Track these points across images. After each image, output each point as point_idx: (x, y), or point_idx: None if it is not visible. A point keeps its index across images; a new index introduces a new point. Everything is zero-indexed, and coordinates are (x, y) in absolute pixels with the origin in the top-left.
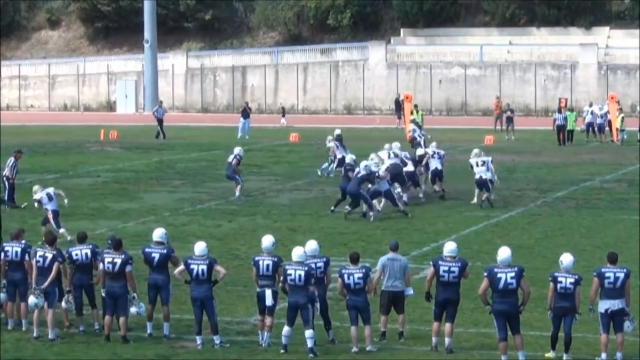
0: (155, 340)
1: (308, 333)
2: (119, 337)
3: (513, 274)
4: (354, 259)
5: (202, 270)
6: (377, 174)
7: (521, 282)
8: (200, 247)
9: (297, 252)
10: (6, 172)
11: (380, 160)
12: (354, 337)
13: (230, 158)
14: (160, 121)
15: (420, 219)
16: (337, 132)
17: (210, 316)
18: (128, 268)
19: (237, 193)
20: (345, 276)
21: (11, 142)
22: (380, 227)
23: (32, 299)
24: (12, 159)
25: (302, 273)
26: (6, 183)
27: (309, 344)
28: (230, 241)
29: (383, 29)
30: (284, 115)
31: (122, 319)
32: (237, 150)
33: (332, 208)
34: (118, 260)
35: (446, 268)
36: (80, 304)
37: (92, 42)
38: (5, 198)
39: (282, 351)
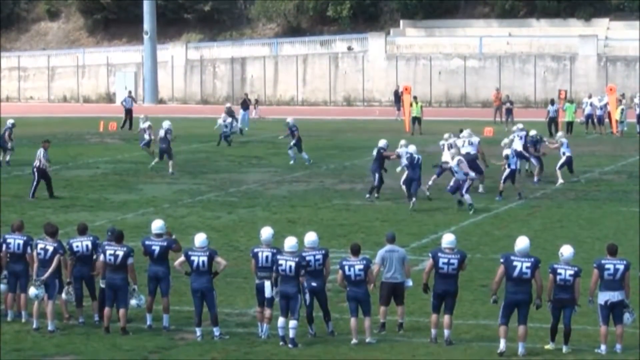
0: (154, 332)
1: (292, 323)
2: (119, 329)
3: (529, 264)
4: (355, 251)
5: (203, 261)
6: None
7: (535, 273)
8: (200, 238)
9: (289, 243)
10: (36, 162)
11: (456, 147)
12: (353, 329)
13: (162, 133)
14: (128, 111)
15: (419, 211)
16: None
17: (210, 308)
18: (130, 260)
19: (170, 169)
20: (346, 267)
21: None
22: (380, 219)
23: (32, 290)
24: (41, 149)
25: (293, 264)
26: (35, 174)
27: (291, 334)
28: (230, 233)
29: (382, 21)
30: (255, 107)
31: (121, 311)
32: (166, 124)
33: (368, 195)
34: (120, 253)
35: (445, 260)
36: (80, 296)
37: (91, 34)
38: (32, 189)
39: (281, 343)
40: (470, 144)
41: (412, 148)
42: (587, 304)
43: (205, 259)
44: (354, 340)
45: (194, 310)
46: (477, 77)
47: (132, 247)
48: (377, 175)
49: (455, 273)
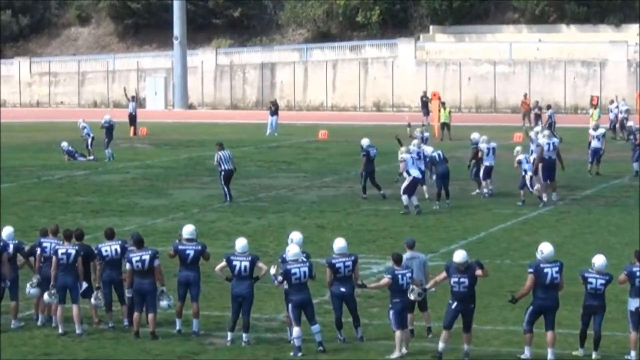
0: (184, 337)
1: (315, 328)
2: (148, 333)
3: (557, 269)
4: (399, 260)
5: (245, 266)
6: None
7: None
8: (241, 243)
9: (293, 251)
10: (224, 166)
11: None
12: (400, 340)
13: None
14: (133, 117)
15: (449, 216)
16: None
17: (245, 313)
18: (156, 262)
19: None
20: (400, 277)
21: (42, 139)
22: (409, 224)
23: (45, 297)
24: (223, 152)
25: (306, 269)
26: (220, 175)
27: (318, 338)
28: (259, 238)
29: (412, 26)
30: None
31: (150, 316)
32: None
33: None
34: (147, 257)
35: (456, 279)
36: (110, 300)
37: (121, 39)
38: (226, 193)
39: (298, 354)
40: (553, 147)
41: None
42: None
43: (247, 264)
44: (396, 354)
45: (230, 315)
46: (506, 83)
47: (157, 250)
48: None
49: (468, 290)
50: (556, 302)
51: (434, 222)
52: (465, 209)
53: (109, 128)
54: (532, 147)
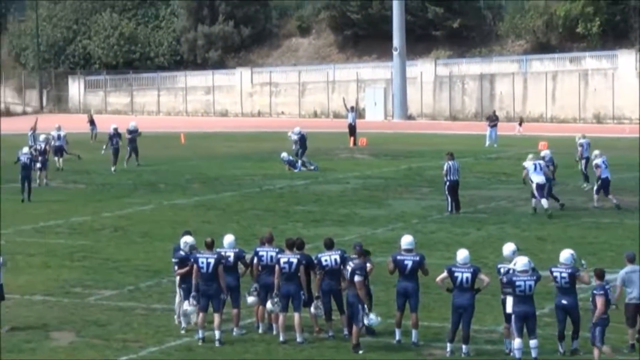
0: (403, 347)
1: (534, 343)
2: (362, 344)
3: None
4: (603, 276)
5: (467, 278)
6: None
7: None
8: (463, 254)
9: (521, 262)
10: (451, 176)
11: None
12: (598, 356)
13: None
14: (352, 127)
15: None
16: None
17: (465, 325)
18: (357, 277)
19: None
20: (609, 292)
21: (263, 149)
22: (630, 237)
23: (268, 305)
24: (448, 163)
25: (532, 283)
26: (446, 186)
27: (534, 353)
28: (479, 249)
29: (633, 37)
30: (520, 124)
31: (353, 328)
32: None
33: None
34: (349, 268)
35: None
36: (329, 309)
37: (341, 50)
38: (451, 205)
39: None
40: None
41: None
42: None
43: (469, 275)
44: None
45: (450, 326)
46: None
47: (366, 265)
48: None
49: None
50: None
51: None
52: None
53: (302, 139)
54: None
